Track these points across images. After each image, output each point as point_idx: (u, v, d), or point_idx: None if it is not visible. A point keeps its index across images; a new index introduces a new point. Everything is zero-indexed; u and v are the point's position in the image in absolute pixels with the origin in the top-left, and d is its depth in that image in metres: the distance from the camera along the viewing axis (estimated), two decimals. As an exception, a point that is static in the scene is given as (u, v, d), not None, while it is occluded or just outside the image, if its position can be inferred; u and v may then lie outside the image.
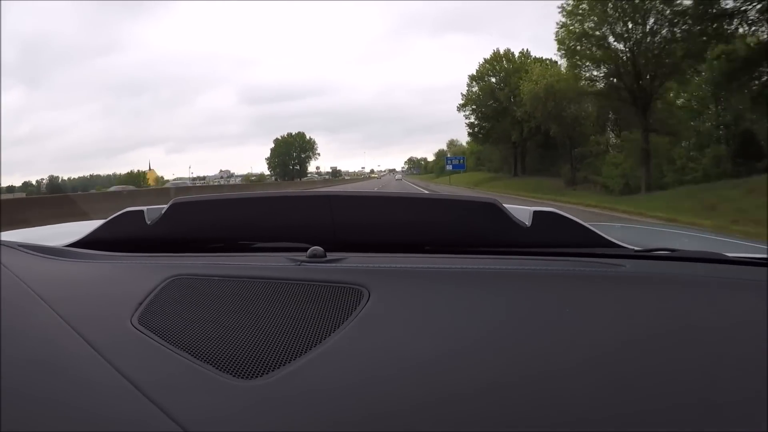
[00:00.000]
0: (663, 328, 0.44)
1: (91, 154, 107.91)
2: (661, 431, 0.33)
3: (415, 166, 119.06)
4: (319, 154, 78.30)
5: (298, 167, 77.15)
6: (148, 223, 0.74)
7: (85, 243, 0.76)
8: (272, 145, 78.40)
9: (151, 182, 63.00)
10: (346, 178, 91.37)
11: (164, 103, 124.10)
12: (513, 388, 0.37)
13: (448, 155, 45.16)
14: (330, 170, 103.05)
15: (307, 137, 78.91)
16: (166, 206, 0.73)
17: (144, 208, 0.75)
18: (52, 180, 75.36)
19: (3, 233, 0.86)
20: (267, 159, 79.97)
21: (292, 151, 76.96)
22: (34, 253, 0.67)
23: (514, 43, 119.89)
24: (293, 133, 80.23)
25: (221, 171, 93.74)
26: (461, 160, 35.91)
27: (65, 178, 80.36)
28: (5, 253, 0.65)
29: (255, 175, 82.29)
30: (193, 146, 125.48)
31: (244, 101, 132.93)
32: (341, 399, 0.36)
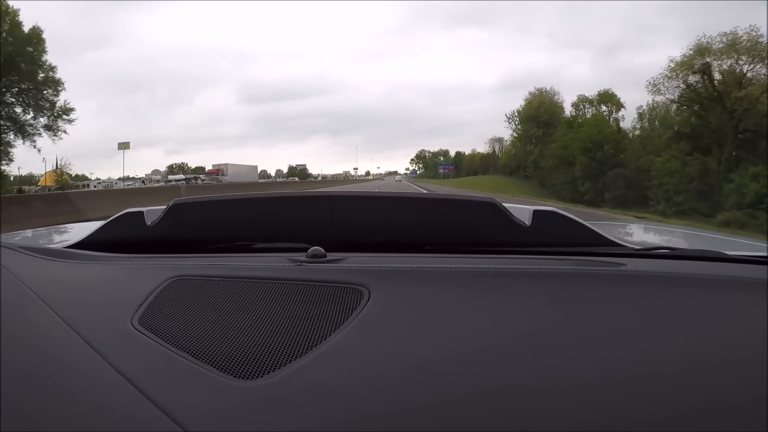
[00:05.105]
0: (663, 326, 0.44)
1: (86, 155, 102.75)
2: (660, 431, 0.33)
3: (435, 162, 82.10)
4: (61, 86, 20.21)
5: None
6: (148, 224, 0.73)
7: (85, 244, 0.75)
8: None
9: (49, 183, 35.20)
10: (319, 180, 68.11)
11: (161, 102, 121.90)
12: (513, 386, 0.37)
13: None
14: (292, 169, 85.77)
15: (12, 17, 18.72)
16: (166, 207, 0.73)
17: (144, 209, 0.75)
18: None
19: (2, 235, 0.85)
20: None
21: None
22: (35, 254, 0.66)
23: (531, 40, 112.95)
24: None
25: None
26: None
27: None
28: (5, 255, 0.64)
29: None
30: (193, 147, 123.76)
31: (243, 100, 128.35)
32: (342, 399, 0.36)
